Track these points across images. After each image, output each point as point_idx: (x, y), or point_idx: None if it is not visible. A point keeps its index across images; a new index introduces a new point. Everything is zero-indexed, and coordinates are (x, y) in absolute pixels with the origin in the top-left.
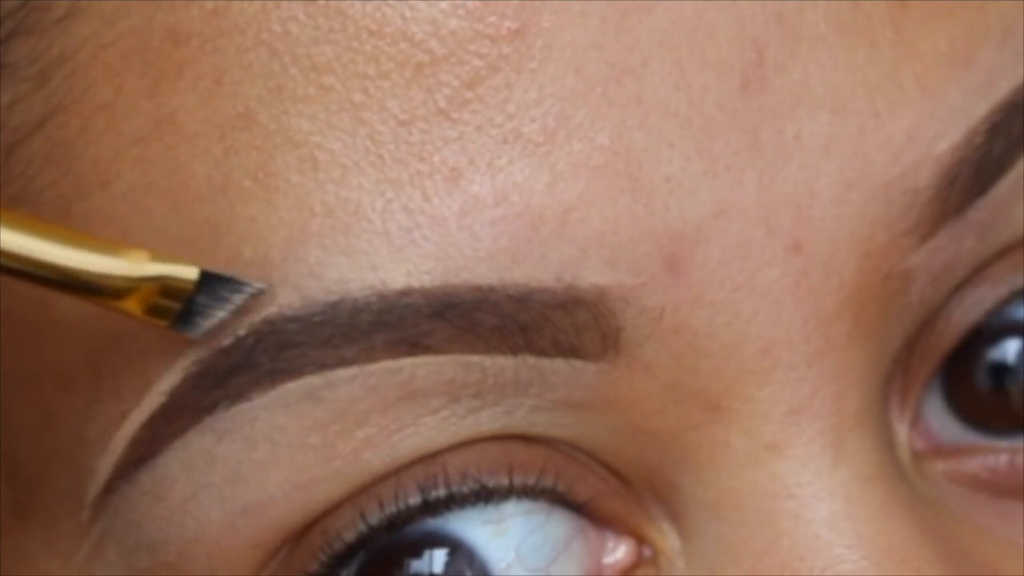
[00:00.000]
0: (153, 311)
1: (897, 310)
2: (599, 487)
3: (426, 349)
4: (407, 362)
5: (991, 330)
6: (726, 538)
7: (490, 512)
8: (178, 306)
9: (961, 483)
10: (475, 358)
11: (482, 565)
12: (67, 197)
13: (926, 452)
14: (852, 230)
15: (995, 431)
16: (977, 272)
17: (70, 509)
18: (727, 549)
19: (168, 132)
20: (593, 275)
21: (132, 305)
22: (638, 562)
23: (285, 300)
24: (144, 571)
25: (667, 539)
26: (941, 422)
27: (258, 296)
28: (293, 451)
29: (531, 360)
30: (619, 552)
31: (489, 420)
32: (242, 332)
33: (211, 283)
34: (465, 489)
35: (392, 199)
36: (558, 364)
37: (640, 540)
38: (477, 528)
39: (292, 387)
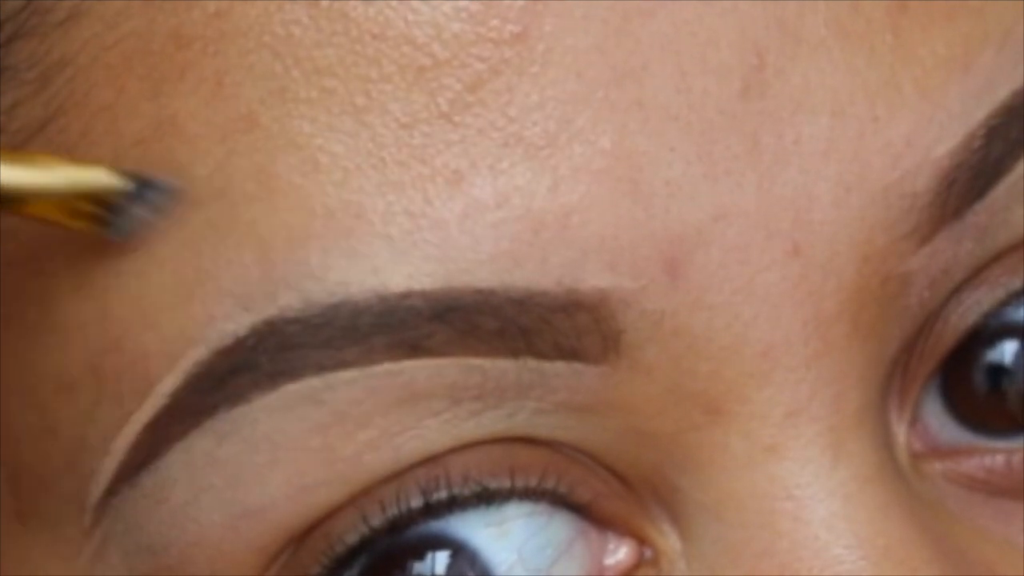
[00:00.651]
0: (74, 215)
1: (896, 312)
2: (600, 489)
3: (427, 352)
4: (408, 364)
5: (989, 332)
6: (726, 539)
7: (492, 514)
8: (99, 210)
9: (959, 483)
10: (476, 361)
11: (484, 567)
12: None
13: (924, 453)
14: (851, 233)
15: (992, 432)
16: (975, 275)
17: (72, 512)
18: (727, 550)
19: (170, 134)
20: (594, 278)
21: (47, 210)
22: (639, 563)
23: (286, 302)
24: (146, 574)
25: (668, 540)
26: (939, 423)
27: (174, 194)
28: (294, 453)
29: (532, 363)
30: (620, 553)
31: (491, 422)
32: (243, 333)
33: (134, 186)
34: (467, 491)
35: (393, 202)
36: (559, 367)
37: (641, 541)
38: (479, 530)
39: (293, 389)
